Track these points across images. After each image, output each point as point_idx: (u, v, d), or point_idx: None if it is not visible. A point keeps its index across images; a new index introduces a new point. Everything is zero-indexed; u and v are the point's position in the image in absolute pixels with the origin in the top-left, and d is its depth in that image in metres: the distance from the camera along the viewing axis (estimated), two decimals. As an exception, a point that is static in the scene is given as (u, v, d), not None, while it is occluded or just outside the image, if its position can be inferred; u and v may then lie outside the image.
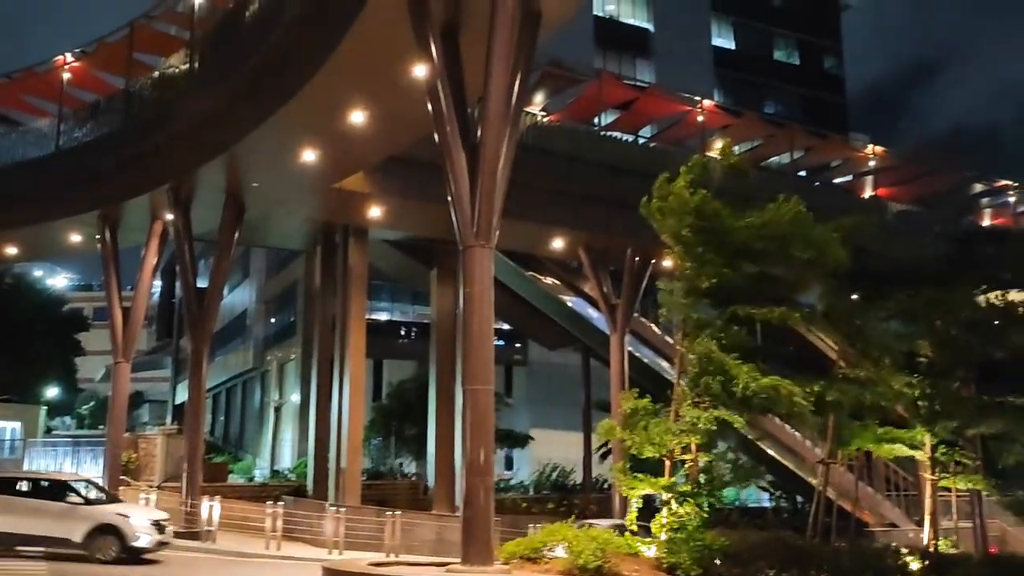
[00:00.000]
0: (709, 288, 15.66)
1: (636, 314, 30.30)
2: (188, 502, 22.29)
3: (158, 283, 56.15)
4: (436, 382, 28.74)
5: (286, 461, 38.50)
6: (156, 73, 25.77)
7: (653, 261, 27.24)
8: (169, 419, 50.89)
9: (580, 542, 13.73)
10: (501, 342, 44.52)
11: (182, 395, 46.86)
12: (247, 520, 22.22)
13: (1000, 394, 18.98)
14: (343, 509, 22.07)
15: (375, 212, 24.96)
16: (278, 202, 24.92)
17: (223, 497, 22.31)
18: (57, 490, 17.89)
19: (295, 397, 39.29)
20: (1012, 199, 36.00)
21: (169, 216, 24.84)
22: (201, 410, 25.10)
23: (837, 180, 36.88)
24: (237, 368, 50.87)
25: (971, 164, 35.74)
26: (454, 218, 14.64)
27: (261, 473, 37.67)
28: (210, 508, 21.56)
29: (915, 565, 16.64)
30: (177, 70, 24.48)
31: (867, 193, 34.86)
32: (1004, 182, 35.66)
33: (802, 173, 36.48)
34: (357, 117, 19.21)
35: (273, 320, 47.27)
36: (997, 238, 22.69)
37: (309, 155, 21.05)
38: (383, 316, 43.99)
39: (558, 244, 28.19)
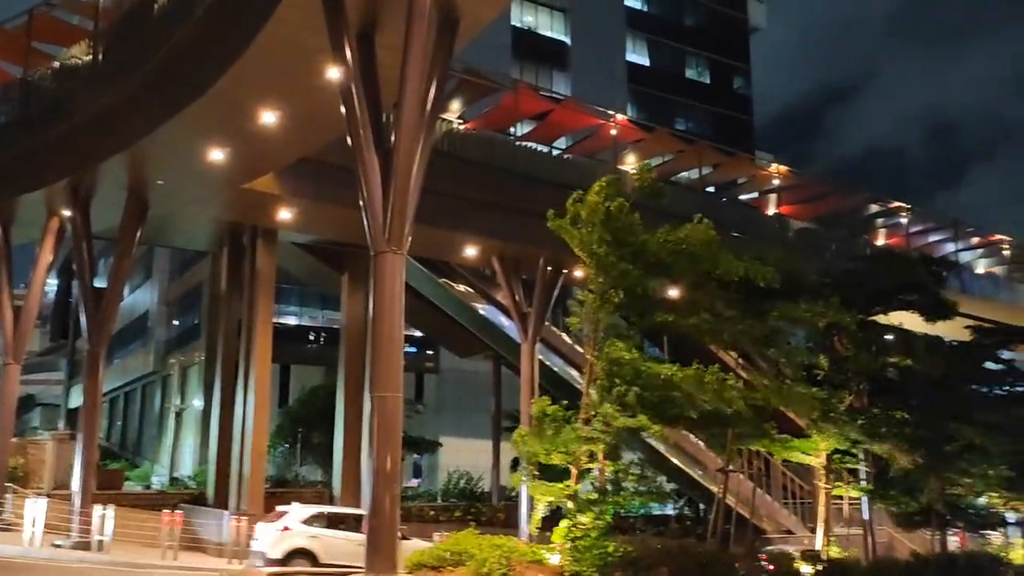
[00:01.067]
0: (620, 300, 15.96)
1: (547, 323, 30.58)
2: (79, 510, 21.40)
3: (53, 281, 53.78)
4: (344, 388, 28.34)
5: (186, 468, 37.35)
6: (56, 63, 24.74)
7: (565, 271, 27.55)
8: (62, 424, 48.80)
9: (485, 550, 13.77)
10: (412, 349, 44.27)
11: (77, 399, 45.07)
12: (143, 529, 21.45)
13: (891, 408, 19.95)
14: (245, 517, 21.54)
15: (285, 214, 24.50)
16: (184, 201, 24.21)
17: (118, 505, 21.46)
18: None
19: (197, 402, 38.18)
20: (904, 220, 37.76)
21: (67, 212, 23.88)
22: (97, 414, 24.20)
23: (743, 196, 38.03)
24: (137, 371, 49.15)
25: (868, 186, 37.38)
26: (366, 223, 14.54)
27: (159, 480, 36.45)
28: (103, 516, 20.72)
29: (807, 570, 17.29)
30: (79, 61, 23.54)
31: (771, 210, 36.04)
32: (897, 204, 37.41)
33: (710, 189, 37.50)
34: (268, 117, 18.85)
35: (176, 323, 45.89)
36: (888, 259, 23.76)
37: (217, 154, 20.54)
38: (291, 320, 43.21)
39: (471, 252, 28.22)
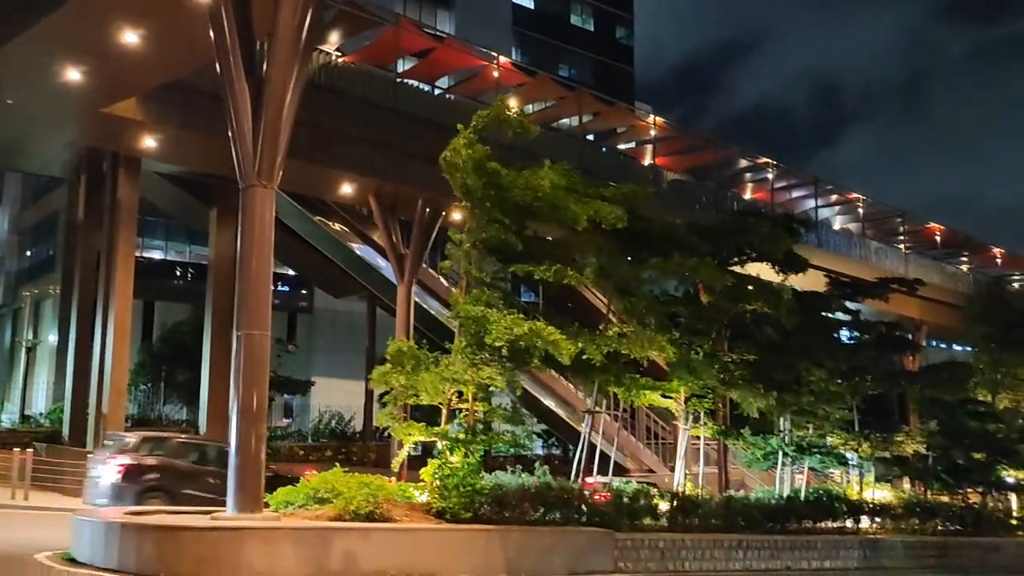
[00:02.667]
0: (494, 243, 16.03)
1: (425, 265, 30.49)
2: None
3: None
4: (212, 326, 27.51)
5: (39, 406, 35.60)
6: None
7: (444, 213, 27.43)
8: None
9: (352, 488, 13.80)
10: (284, 288, 43.40)
11: (-84, 332, 42.05)
12: (-10, 468, 20.41)
13: (747, 354, 21.01)
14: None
15: (149, 142, 23.27)
16: (36, 123, 22.63)
17: (-39, 444, 20.33)
18: None
19: (52, 337, 36.28)
20: (770, 176, 39.36)
21: (-99, 130, 21.94)
22: (-63, 349, 22.69)
23: (621, 146, 38.67)
24: (-16, 304, 46.24)
25: (752, 142, 38.62)
26: (235, 155, 14.00)
27: (9, 418, 34.65)
28: (-56, 456, 19.58)
29: (664, 506, 18.16)
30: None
31: (647, 161, 36.83)
32: (764, 160, 38.91)
33: (590, 137, 37.94)
34: (130, 36, 17.75)
35: (29, 253, 43.24)
36: (752, 212, 24.79)
37: (74, 74, 19.24)
38: (156, 255, 41.42)
39: (347, 189, 27.67)
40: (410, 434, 16.01)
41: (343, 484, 14.01)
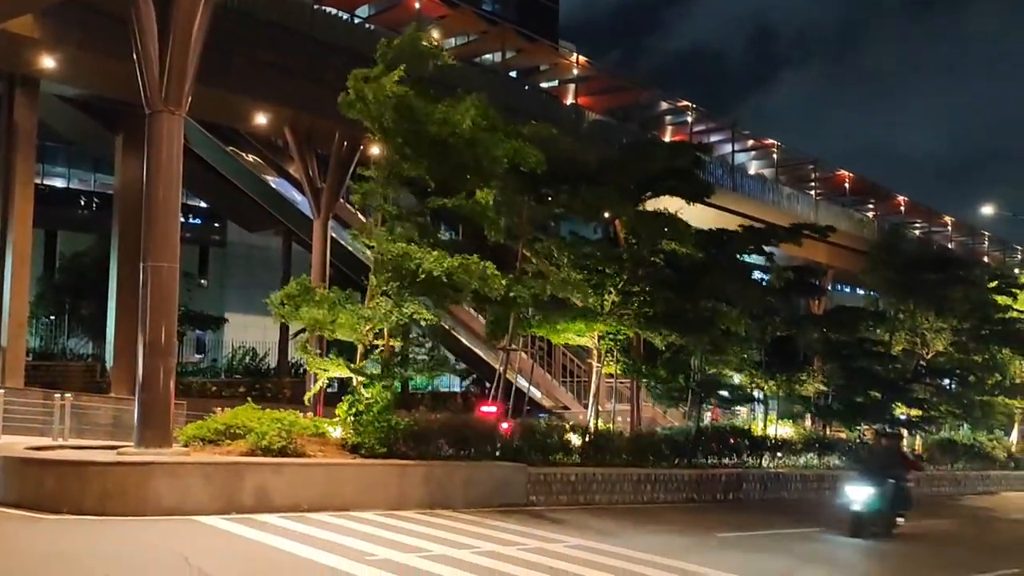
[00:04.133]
0: (408, 178, 15.79)
1: (342, 200, 29.91)
2: None
3: None
4: (118, 257, 26.53)
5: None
6: None
7: (362, 147, 26.83)
8: None
9: (264, 423, 13.67)
10: (196, 220, 42.14)
11: None
12: None
13: (660, 293, 21.39)
14: (2, 391, 19.99)
15: (47, 62, 21.92)
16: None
17: None
18: None
19: (-55, 268, 34.42)
20: (690, 119, 39.75)
21: None
22: None
23: (544, 84, 38.37)
24: None
25: (686, 84, 38.73)
26: (140, 79, 13.38)
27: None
28: None
29: (576, 441, 18.58)
30: None
31: (569, 100, 36.69)
32: (684, 102, 39.22)
33: (513, 74, 37.50)
34: (24, -53, 16.59)
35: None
36: (658, 145, 24.97)
37: (-38, -14, 17.90)
38: (58, 183, 39.55)
39: (261, 120, 26.73)
40: (325, 369, 15.88)
41: (255, 419, 13.87)
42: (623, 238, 21.00)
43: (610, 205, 19.28)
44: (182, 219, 14.18)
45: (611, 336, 20.49)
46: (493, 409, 17.46)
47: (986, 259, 53.56)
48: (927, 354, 32.60)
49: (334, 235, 29.08)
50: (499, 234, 17.46)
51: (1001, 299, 34.66)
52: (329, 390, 20.04)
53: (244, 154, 32.60)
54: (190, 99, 13.66)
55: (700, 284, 21.55)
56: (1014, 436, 41.23)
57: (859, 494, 15.62)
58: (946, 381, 33.55)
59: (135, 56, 13.36)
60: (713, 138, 41.96)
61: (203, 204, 40.84)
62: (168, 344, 13.41)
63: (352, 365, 15.63)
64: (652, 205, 21.27)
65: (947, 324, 31.66)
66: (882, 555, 14.30)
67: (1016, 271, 45.30)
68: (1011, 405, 37.47)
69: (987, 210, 46.10)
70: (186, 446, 13.53)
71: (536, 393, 29.15)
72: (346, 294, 15.41)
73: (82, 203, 39.75)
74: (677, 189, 21.42)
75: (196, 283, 36.12)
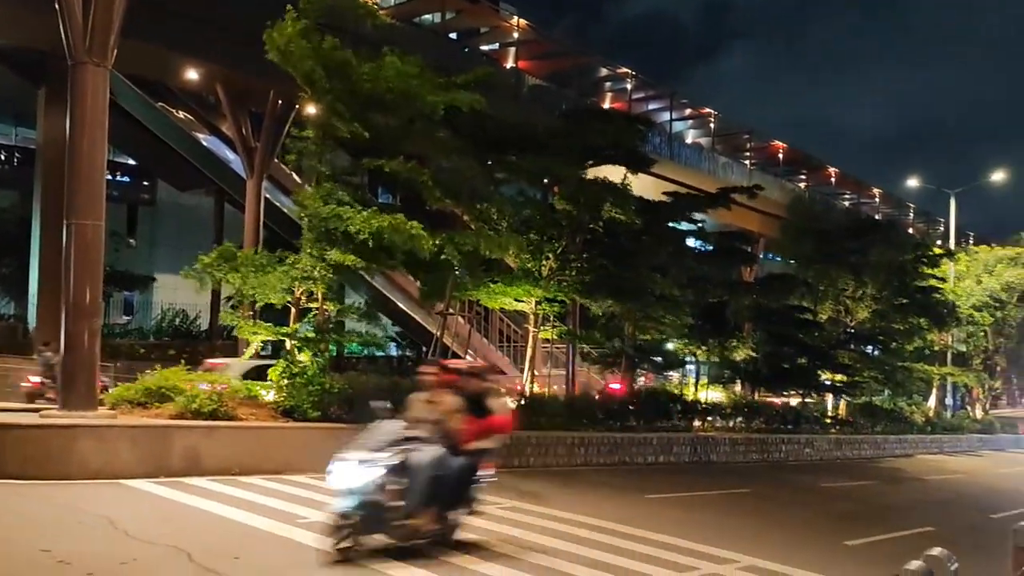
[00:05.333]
0: (344, 138, 15.52)
1: (277, 160, 29.30)
2: None
3: None
4: (41, 215, 25.61)
5: None
6: None
7: (297, 106, 26.23)
8: None
9: (195, 386, 13.43)
10: (124, 178, 40.84)
11: None
12: None
13: (597, 258, 21.56)
14: None
15: (-36, 11, 20.92)
16: None
17: None
18: None
19: None
20: (629, 86, 39.86)
21: None
22: None
23: (484, 47, 38.00)
24: None
25: (634, 51, 38.60)
26: (63, 28, 12.81)
27: None
28: None
29: (512, 405, 18.70)
30: None
31: (509, 64, 36.42)
32: (624, 69, 39.28)
33: (453, 35, 37.03)
34: None
35: None
36: (606, 119, 25.04)
37: None
38: (-24, 137, 37.85)
39: (192, 75, 25.97)
40: (257, 334, 15.66)
41: (184, 381, 13.62)
42: (563, 204, 21.04)
43: (553, 172, 19.26)
44: (109, 176, 13.72)
45: (548, 301, 20.62)
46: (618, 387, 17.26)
47: (911, 231, 55.24)
48: (851, 322, 33.64)
49: (268, 196, 28.53)
50: (436, 201, 17.33)
51: (922, 269, 35.90)
52: (263, 353, 19.78)
53: (174, 110, 31.66)
54: (116, 51, 13.15)
55: (637, 251, 21.78)
56: (931, 401, 43.00)
57: (348, 477, 8.24)
58: (869, 348, 34.70)
59: (57, 5, 12.78)
60: (652, 106, 42.21)
61: (131, 161, 39.56)
62: (93, 305, 13.02)
63: (284, 329, 15.43)
64: (593, 173, 21.37)
65: (867, 291, 32.67)
66: (790, 511, 14.80)
67: (939, 242, 46.84)
68: (929, 371, 39.02)
69: (913, 183, 47.50)
70: (113, 409, 13.22)
71: (473, 357, 29.22)
72: (277, 256, 15.16)
73: (3, 158, 38.11)
74: (618, 158, 21.54)
75: (124, 243, 35.08)
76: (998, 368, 48.84)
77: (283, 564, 7.74)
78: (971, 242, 55.65)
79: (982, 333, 45.10)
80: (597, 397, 22.96)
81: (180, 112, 31.83)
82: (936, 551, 2.87)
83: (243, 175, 27.58)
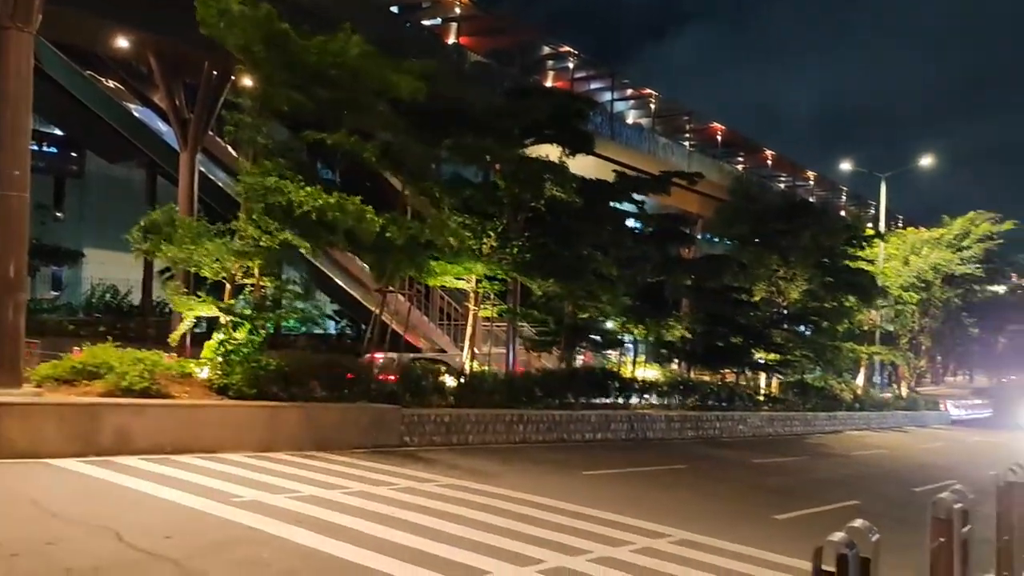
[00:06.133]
0: (283, 112, 15.22)
1: (212, 133, 28.62)
2: None
3: None
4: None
5: None
6: None
7: (233, 77, 25.64)
8: None
9: (125, 363, 13.11)
10: (51, 149, 39.49)
11: None
12: None
13: (538, 238, 21.59)
14: None
15: None
16: None
17: None
18: None
19: None
20: (571, 65, 39.86)
21: None
22: None
23: (426, 22, 37.53)
24: None
25: (578, 32, 38.45)
26: (-18, -10, 12.27)
27: None
28: None
29: (452, 383, 18.73)
30: None
31: (451, 39, 36.07)
32: (567, 48, 39.24)
33: (394, 9, 36.49)
34: None
35: None
36: (547, 96, 25.04)
37: None
38: None
39: (122, 43, 25.13)
40: (191, 309, 15.33)
41: (115, 359, 13.28)
42: (504, 183, 21.01)
43: (494, 150, 19.17)
44: (35, 147, 13.24)
45: (489, 280, 20.62)
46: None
47: (844, 213, 56.60)
48: (784, 302, 34.42)
49: (203, 170, 27.88)
50: (379, 174, 17.15)
51: (852, 250, 36.87)
52: (197, 330, 19.39)
53: (104, 79, 30.65)
54: (41, 16, 12.68)
55: (577, 231, 21.89)
56: (860, 379, 44.34)
57: None
58: (801, 328, 35.58)
59: (-24, -35, 12.24)
60: (594, 85, 42.30)
61: (59, 132, 38.24)
62: (18, 279, 12.61)
63: (221, 304, 15.15)
64: (534, 152, 21.35)
65: (798, 272, 33.45)
66: (722, 487, 15.15)
67: (869, 225, 48.10)
68: (858, 350, 40.20)
69: (846, 166, 48.65)
70: (39, 386, 12.84)
71: (413, 336, 29.10)
72: (215, 227, 14.85)
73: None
74: (560, 138, 21.55)
75: (51, 215, 33.97)
76: (923, 348, 50.58)
77: (216, 543, 7.64)
78: (900, 225, 57.35)
79: (909, 313, 46.60)
80: (534, 374, 23.11)
81: (110, 81, 30.84)
82: (858, 523, 2.96)
83: (177, 147, 26.87)
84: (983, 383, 76.41)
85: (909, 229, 51.13)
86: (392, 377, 17.12)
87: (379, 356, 17.89)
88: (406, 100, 16.10)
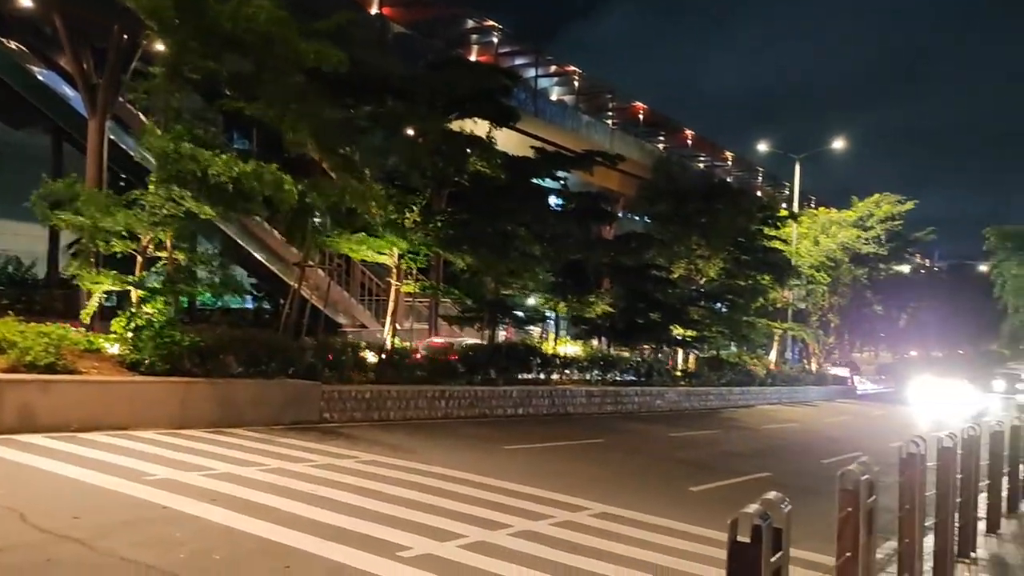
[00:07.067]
0: (197, 79, 14.69)
1: (123, 99, 27.48)
2: None
3: None
4: None
5: None
6: None
7: (145, 42, 24.66)
8: None
9: (29, 338, 12.57)
10: (-53, 112, 37.35)
11: None
12: None
13: (460, 213, 21.49)
14: None
15: None
16: None
17: None
18: None
19: None
20: (495, 39, 39.64)
21: None
22: None
23: (348, -9, 36.76)
24: None
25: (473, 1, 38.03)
26: None
27: None
28: None
29: (373, 359, 18.57)
30: None
31: (374, 9, 35.42)
32: (491, 22, 38.99)
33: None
34: None
35: None
36: (471, 70, 24.82)
37: None
38: None
39: (25, 2, 23.88)
40: (99, 283, 14.77)
41: (18, 333, 12.71)
42: (428, 156, 20.81)
43: (417, 120, 18.90)
44: (-74, 108, 12.47)
45: (411, 255, 20.45)
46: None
47: (760, 193, 57.99)
48: (701, 280, 35.19)
49: (113, 137, 26.78)
50: (298, 147, 16.74)
51: (767, 230, 37.88)
52: (108, 304, 18.72)
53: (5, 40, 29.08)
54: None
55: (501, 206, 21.86)
56: (772, 355, 45.74)
57: None
58: (718, 305, 36.46)
59: None
60: (518, 61, 42.16)
61: (-45, 94, 36.21)
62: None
63: (130, 278, 14.64)
64: (459, 126, 21.17)
65: (716, 251, 34.23)
66: (640, 460, 15.47)
67: (784, 205, 49.42)
68: (771, 327, 41.45)
69: (763, 147, 49.78)
70: (-67, 363, 12.22)
71: (333, 311, 28.73)
72: (124, 197, 14.29)
73: None
74: (484, 111, 21.39)
75: (-54, 183, 32.18)
76: (832, 325, 52.41)
77: (126, 522, 7.41)
78: (813, 205, 59.09)
79: (820, 292, 48.19)
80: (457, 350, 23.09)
81: (12, 43, 29.27)
82: (771, 495, 3.02)
83: (85, 114, 25.73)
84: (887, 359, 79.83)
85: (820, 209, 52.75)
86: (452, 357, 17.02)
87: (438, 341, 17.64)
88: (324, 68, 15.69)
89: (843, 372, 54.38)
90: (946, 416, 32.53)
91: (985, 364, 61.91)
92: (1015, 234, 38.19)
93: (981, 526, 9.00)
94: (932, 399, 37.76)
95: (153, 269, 15.40)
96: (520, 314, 27.12)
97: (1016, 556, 8.60)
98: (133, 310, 14.37)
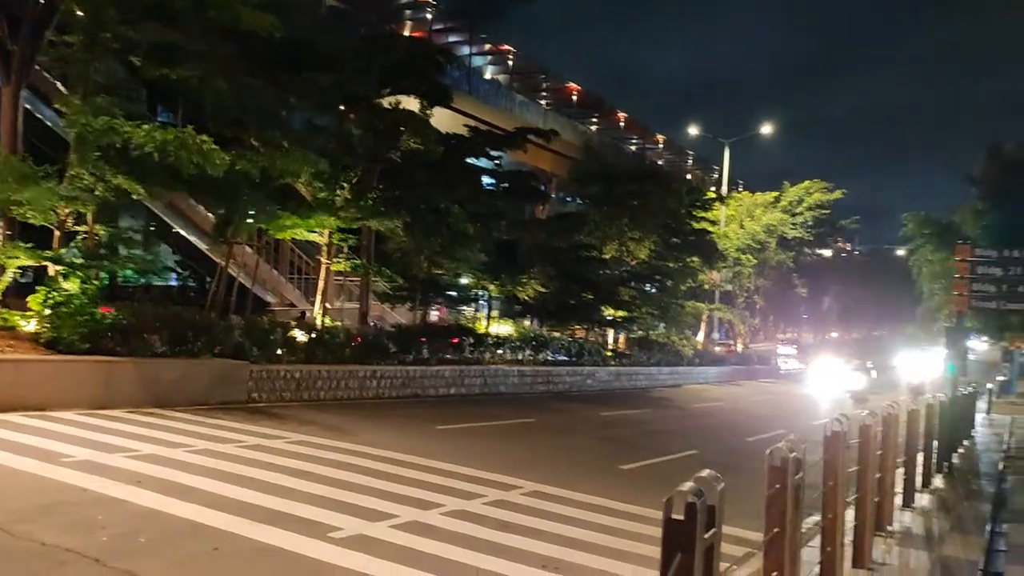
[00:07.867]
0: (118, 47, 14.14)
1: (41, 69, 26.29)
2: None
3: None
4: None
5: None
6: None
7: (63, 7, 23.63)
8: None
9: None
10: None
11: None
12: None
13: (393, 190, 21.26)
14: None
15: None
16: None
17: None
18: None
19: None
20: (430, 15, 39.21)
21: None
22: None
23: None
24: None
25: None
26: None
27: None
28: None
29: (302, 337, 18.28)
30: None
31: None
32: (426, -1, 38.61)
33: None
34: None
35: None
36: (404, 44, 24.44)
37: None
38: None
39: (-68, -39, 22.57)
40: (14, 257, 14.18)
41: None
42: (359, 132, 20.47)
43: (347, 95, 18.54)
44: None
45: (342, 232, 20.17)
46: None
47: (689, 176, 58.88)
48: (632, 261, 35.62)
49: (29, 107, 25.63)
50: (224, 125, 16.25)
51: (696, 212, 38.53)
52: (23, 280, 17.99)
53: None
54: None
55: (434, 184, 21.69)
56: (700, 335, 46.66)
57: None
58: (647, 286, 36.98)
59: None
60: (452, 38, 41.80)
61: None
62: None
63: (47, 253, 14.09)
64: (392, 102, 20.88)
65: (646, 233, 34.70)
66: (572, 439, 15.65)
67: (712, 189, 50.27)
68: (700, 308, 42.26)
69: (693, 131, 50.49)
70: None
71: (261, 290, 28.18)
72: (41, 169, 13.72)
73: None
74: (417, 89, 21.13)
75: None
76: (758, 306, 53.74)
77: (44, 506, 7.15)
78: (741, 190, 60.30)
79: (746, 274, 49.29)
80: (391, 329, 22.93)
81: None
82: (705, 473, 3.07)
83: (-2, 81, 24.55)
84: (809, 340, 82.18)
85: (745, 193, 53.82)
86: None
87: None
88: (255, 36, 15.24)
89: (790, 350, 55.85)
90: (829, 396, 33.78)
91: (896, 346, 64.11)
92: (931, 221, 39.70)
93: (898, 500, 9.35)
94: (827, 380, 39.08)
95: (72, 244, 14.85)
96: (452, 293, 27.04)
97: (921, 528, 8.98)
98: (51, 286, 13.84)
